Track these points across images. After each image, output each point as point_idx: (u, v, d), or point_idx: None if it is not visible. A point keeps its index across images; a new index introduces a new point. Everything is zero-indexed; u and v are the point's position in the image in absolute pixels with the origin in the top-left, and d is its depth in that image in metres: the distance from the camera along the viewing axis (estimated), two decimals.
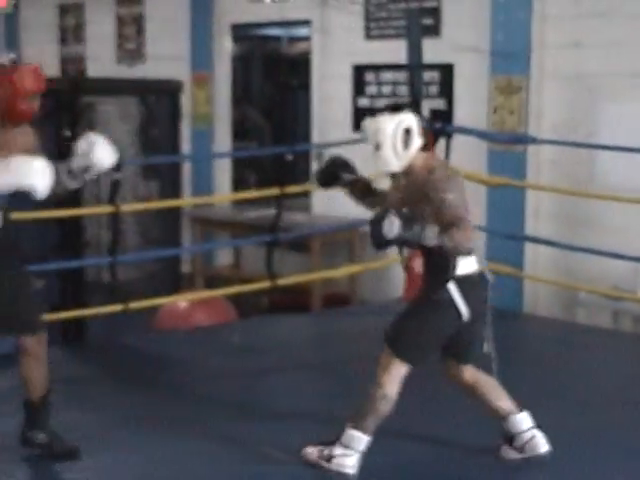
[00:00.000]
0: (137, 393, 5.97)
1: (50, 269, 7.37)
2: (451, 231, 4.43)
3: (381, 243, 4.49)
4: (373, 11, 9.48)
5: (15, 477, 4.77)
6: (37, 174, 4.47)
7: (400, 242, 4.53)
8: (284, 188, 7.72)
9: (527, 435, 4.81)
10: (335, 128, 9.73)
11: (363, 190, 5.11)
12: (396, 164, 4.60)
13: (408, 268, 8.22)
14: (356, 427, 4.63)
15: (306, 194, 9.89)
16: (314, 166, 9.94)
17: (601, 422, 5.48)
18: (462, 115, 8.73)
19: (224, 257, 10.85)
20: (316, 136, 9.99)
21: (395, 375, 4.61)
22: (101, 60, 12.37)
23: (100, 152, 4.64)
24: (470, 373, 4.81)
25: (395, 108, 4.67)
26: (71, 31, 13.01)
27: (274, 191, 7.80)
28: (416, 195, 4.57)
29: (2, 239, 4.77)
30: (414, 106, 8.06)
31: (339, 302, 9.22)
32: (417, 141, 4.61)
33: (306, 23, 10.16)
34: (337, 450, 4.64)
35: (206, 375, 6.32)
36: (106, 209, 7.15)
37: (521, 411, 4.84)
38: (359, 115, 9.62)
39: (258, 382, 6.22)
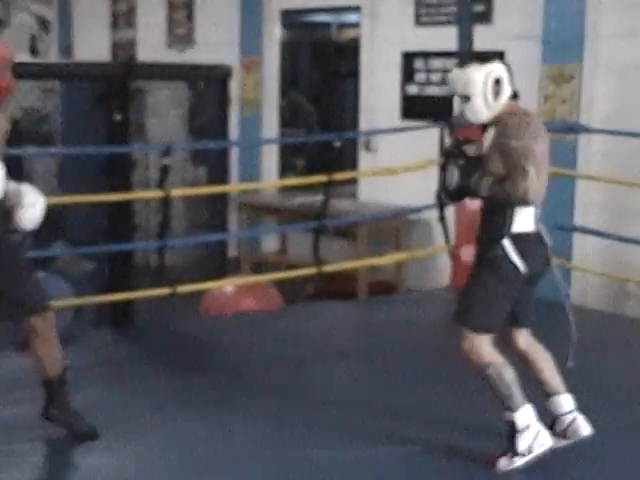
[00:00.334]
0: (182, 376, 6.00)
1: (100, 252, 7.43)
2: (507, 181, 4.45)
3: (446, 194, 4.70)
4: None
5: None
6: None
7: (462, 192, 4.63)
8: (331, 175, 7.73)
9: (569, 417, 4.78)
10: (383, 115, 9.72)
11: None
12: (486, 114, 4.61)
13: (455, 256, 8.22)
14: (513, 409, 4.57)
15: (353, 181, 9.89)
16: (361, 153, 9.97)
17: None
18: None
19: (270, 243, 10.88)
20: (364, 123, 9.98)
21: (485, 348, 4.58)
22: (151, 45, 12.42)
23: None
24: (525, 340, 4.80)
25: (484, 58, 4.68)
26: (122, 16, 13.08)
27: (321, 178, 7.81)
28: (494, 140, 4.59)
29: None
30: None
31: (385, 290, 9.22)
32: (507, 91, 4.62)
33: (356, 9, 10.14)
34: (525, 440, 4.58)
35: (251, 360, 6.35)
36: (155, 194, 7.19)
37: (565, 393, 4.81)
38: (408, 103, 9.61)
39: (303, 369, 6.24)
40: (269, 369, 6.18)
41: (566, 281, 8.18)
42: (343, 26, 11.07)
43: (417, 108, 9.47)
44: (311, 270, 7.79)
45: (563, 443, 4.75)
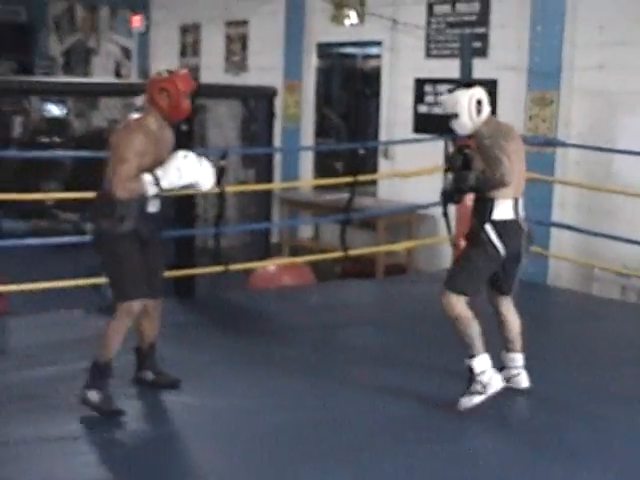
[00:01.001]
0: (233, 338, 6.03)
1: (167, 237, 7.45)
2: (487, 170, 4.59)
3: (445, 196, 4.89)
4: (433, 34, 9.42)
5: (132, 399, 4.85)
6: (207, 173, 4.59)
7: (457, 190, 4.76)
8: (356, 177, 7.72)
9: (516, 371, 4.94)
10: (399, 129, 9.70)
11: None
12: (470, 127, 4.75)
13: (455, 244, 8.20)
14: (473, 356, 4.64)
15: (373, 182, 9.88)
16: (380, 160, 9.95)
17: (608, 377, 5.42)
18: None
19: (306, 231, 10.88)
20: (383, 135, 9.97)
21: (461, 304, 4.66)
22: (212, 70, 12.44)
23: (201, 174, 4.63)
24: (506, 305, 4.94)
25: (468, 85, 4.86)
26: (189, 46, 13.10)
27: (348, 179, 7.80)
28: (475, 145, 4.75)
29: (158, 220, 4.74)
30: None
31: (399, 271, 9.21)
32: (486, 109, 4.78)
33: (378, 44, 10.12)
34: (479, 382, 4.63)
35: (290, 326, 6.36)
36: (213, 190, 7.21)
37: (521, 352, 4.96)
38: (419, 119, 9.59)
39: (333, 334, 6.24)
40: (304, 334, 6.19)
41: (544, 267, 8.20)
42: (367, 57, 11.04)
43: (426, 124, 9.44)
44: (339, 254, 7.80)
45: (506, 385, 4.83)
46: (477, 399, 4.63)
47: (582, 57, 8.06)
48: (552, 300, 7.74)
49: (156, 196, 4.56)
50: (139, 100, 4.82)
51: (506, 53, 8.65)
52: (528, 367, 5.00)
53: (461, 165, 4.75)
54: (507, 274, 4.85)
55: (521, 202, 4.81)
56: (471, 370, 4.65)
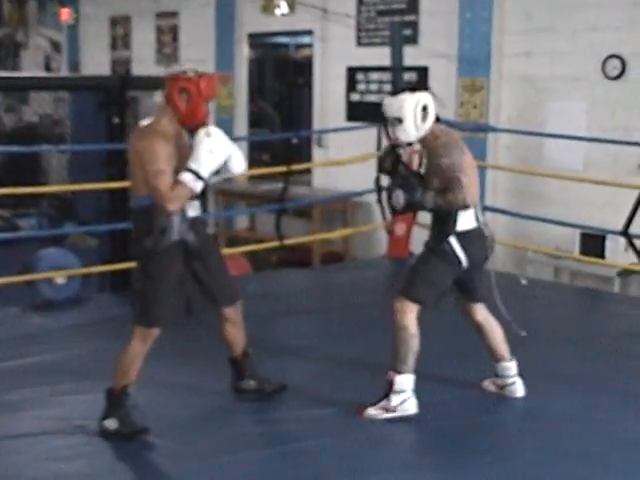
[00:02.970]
0: (170, 330, 5.91)
1: (103, 230, 7.35)
2: (446, 193, 4.35)
3: (395, 212, 4.59)
4: (364, 23, 9.41)
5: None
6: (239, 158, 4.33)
7: (409, 208, 4.51)
8: (290, 166, 7.68)
9: (510, 380, 4.73)
10: (332, 117, 9.69)
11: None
12: (415, 135, 4.46)
13: (390, 231, 8.22)
14: (401, 371, 4.44)
15: (308, 171, 9.85)
16: (314, 149, 9.93)
17: (542, 355, 5.48)
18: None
19: (241, 222, 10.83)
20: (317, 124, 9.96)
21: (412, 315, 4.45)
22: (144, 62, 12.30)
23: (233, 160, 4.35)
24: (481, 313, 4.70)
25: (413, 89, 4.55)
26: (120, 39, 12.94)
27: (282, 169, 7.76)
28: (428, 160, 4.50)
29: (203, 224, 4.45)
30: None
31: (335, 259, 9.21)
32: (432, 116, 4.48)
33: (309, 33, 10.09)
34: (397, 399, 4.44)
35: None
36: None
37: (512, 359, 4.73)
38: (351, 108, 9.59)
39: (269, 322, 6.20)
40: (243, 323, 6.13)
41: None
42: (299, 46, 11.01)
43: (359, 112, 9.45)
44: (274, 244, 7.76)
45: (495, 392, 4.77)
46: (385, 415, 4.43)
47: (510, 44, 8.13)
48: (487, 283, 7.77)
49: (195, 198, 4.22)
50: (158, 96, 4.39)
51: (436, 40, 8.68)
52: (464, 350, 5.02)
53: (391, 166, 4.58)
54: (475, 282, 4.64)
55: (478, 206, 4.60)
56: (391, 385, 4.44)
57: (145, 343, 4.29)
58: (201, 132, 4.12)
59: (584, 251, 7.44)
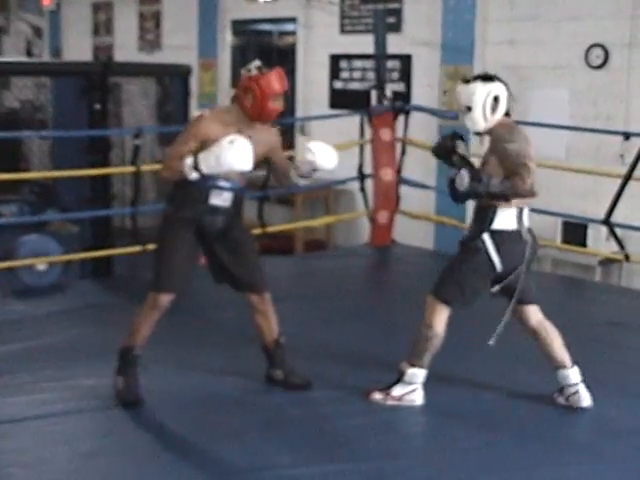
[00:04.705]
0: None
1: (84, 217, 7.33)
2: (515, 177, 4.18)
3: (457, 196, 4.31)
4: (347, 10, 9.41)
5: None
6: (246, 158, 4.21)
7: (473, 193, 4.25)
8: None
9: (572, 389, 4.50)
10: (315, 105, 9.69)
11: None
12: (483, 125, 4.35)
13: (373, 219, 8.23)
14: (415, 365, 4.44)
15: (290, 159, 9.79)
16: (297, 136, 9.92)
17: (523, 343, 5.49)
18: (418, 96, 8.70)
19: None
20: (300, 111, 9.94)
21: (441, 316, 4.40)
22: (126, 48, 12.25)
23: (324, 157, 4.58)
24: (536, 317, 4.52)
25: (487, 78, 4.40)
26: (102, 25, 12.89)
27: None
28: (490, 147, 4.37)
29: (232, 215, 4.52)
30: (379, 88, 8.08)
31: (317, 247, 9.21)
32: (503, 108, 4.36)
33: (292, 20, 10.08)
34: (404, 389, 4.47)
35: (210, 303, 6.30)
36: (129, 169, 7.10)
37: (573, 366, 4.52)
38: (334, 95, 9.58)
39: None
40: (224, 310, 6.13)
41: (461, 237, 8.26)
42: (283, 33, 10.98)
43: (342, 100, 9.44)
44: (257, 231, 7.75)
45: (564, 404, 4.53)
46: (389, 402, 4.47)
47: (494, 32, 8.14)
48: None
49: (226, 189, 4.40)
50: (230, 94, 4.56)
51: (420, 28, 8.68)
52: (447, 338, 5.03)
53: (445, 152, 4.44)
54: (524, 281, 4.40)
55: (526, 211, 4.41)
56: (402, 375, 4.48)
57: (154, 308, 4.45)
58: (227, 138, 4.18)
59: (566, 240, 7.47)
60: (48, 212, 7.57)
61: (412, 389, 4.48)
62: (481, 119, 4.34)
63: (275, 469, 3.85)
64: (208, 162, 4.18)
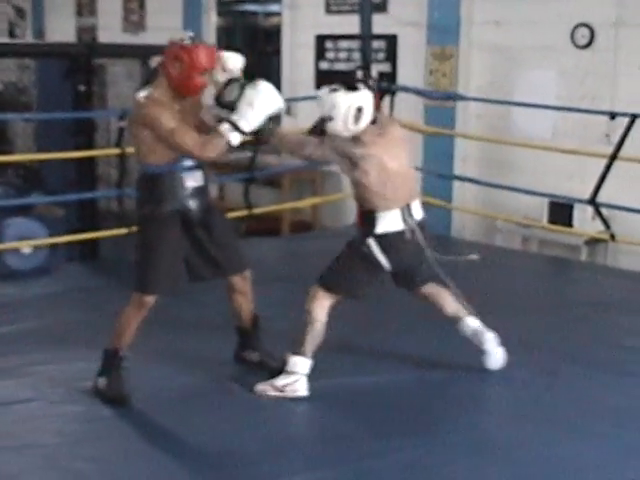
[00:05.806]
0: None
1: (70, 200, 7.32)
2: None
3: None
4: None
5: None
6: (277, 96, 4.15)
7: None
8: (259, 135, 7.62)
9: (476, 335, 4.65)
10: (301, 86, 9.66)
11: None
12: (345, 135, 4.33)
13: None
14: (297, 353, 4.40)
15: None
16: (283, 117, 9.90)
17: (509, 323, 5.53)
18: (404, 76, 8.69)
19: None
20: (286, 92, 9.90)
21: (322, 303, 4.43)
22: (110, 29, 12.18)
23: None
24: (421, 291, 4.66)
25: (351, 87, 4.33)
26: (85, 5, 12.80)
27: (251, 137, 7.71)
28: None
29: (204, 195, 4.45)
30: (365, 69, 8.07)
31: (304, 228, 9.22)
32: (368, 117, 4.32)
33: (278, 1, 10.04)
34: (286, 379, 4.40)
35: (197, 286, 6.28)
36: (114, 151, 7.08)
37: (469, 315, 4.67)
38: (320, 76, 9.56)
39: None
40: (210, 292, 6.10)
41: (448, 219, 8.30)
42: (268, 14, 10.95)
43: (328, 80, 9.33)
44: (244, 213, 7.75)
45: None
46: (272, 393, 4.40)
47: (480, 12, 8.13)
48: (456, 251, 7.82)
49: (195, 167, 4.28)
50: (154, 61, 4.37)
51: (405, 8, 8.66)
52: (432, 317, 5.05)
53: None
54: (413, 274, 4.55)
55: (415, 205, 4.44)
56: (284, 364, 4.42)
57: (140, 309, 4.33)
58: (249, 86, 4.10)
59: (552, 220, 7.50)
60: (33, 195, 7.55)
61: (295, 379, 4.40)
62: (342, 131, 4.31)
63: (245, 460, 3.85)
64: (245, 116, 4.06)
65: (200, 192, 4.38)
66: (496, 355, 4.68)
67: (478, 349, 4.68)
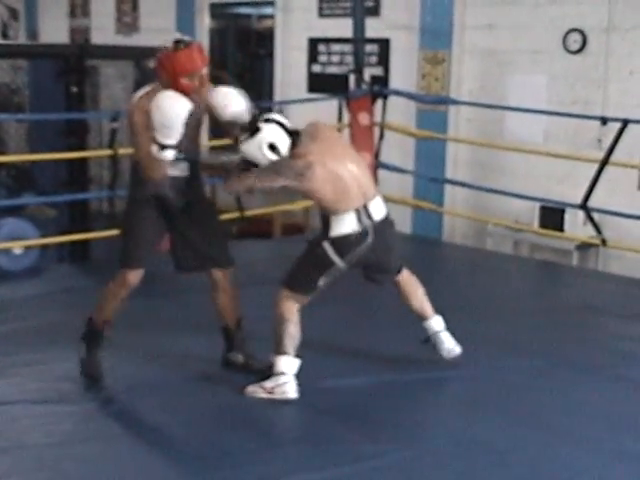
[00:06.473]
0: (130, 301, 5.90)
1: (61, 201, 7.30)
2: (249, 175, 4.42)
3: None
4: None
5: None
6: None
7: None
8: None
9: (436, 337, 4.72)
10: (293, 89, 9.66)
11: None
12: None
13: None
14: (279, 352, 4.38)
15: None
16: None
17: (502, 327, 5.53)
18: (396, 80, 8.69)
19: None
20: (278, 95, 9.91)
21: (288, 303, 4.44)
22: (103, 31, 12.16)
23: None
24: (401, 279, 4.71)
25: (254, 130, 4.32)
26: (79, 7, 12.79)
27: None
28: None
29: (190, 187, 4.49)
30: (357, 72, 8.06)
31: (296, 230, 9.20)
32: (285, 142, 4.34)
33: (271, 3, 10.03)
34: (275, 381, 4.37)
35: (187, 285, 6.26)
36: (106, 152, 7.06)
37: (434, 316, 4.73)
38: (313, 79, 9.56)
39: None
40: (201, 294, 6.09)
41: (439, 223, 8.30)
42: (261, 17, 10.95)
43: (320, 83, 9.42)
44: (235, 215, 7.74)
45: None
46: (262, 395, 4.37)
47: (472, 17, 8.14)
48: (447, 255, 7.84)
49: (181, 159, 4.32)
50: (152, 63, 4.45)
51: (398, 12, 8.67)
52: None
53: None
54: (378, 266, 4.59)
55: (375, 204, 4.46)
56: (272, 366, 4.39)
57: (119, 284, 4.48)
58: (155, 103, 4.16)
59: (543, 224, 7.50)
60: (25, 196, 7.53)
61: (284, 381, 4.37)
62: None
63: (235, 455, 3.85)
64: (161, 132, 4.14)
65: (183, 183, 4.44)
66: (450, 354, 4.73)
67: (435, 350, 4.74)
